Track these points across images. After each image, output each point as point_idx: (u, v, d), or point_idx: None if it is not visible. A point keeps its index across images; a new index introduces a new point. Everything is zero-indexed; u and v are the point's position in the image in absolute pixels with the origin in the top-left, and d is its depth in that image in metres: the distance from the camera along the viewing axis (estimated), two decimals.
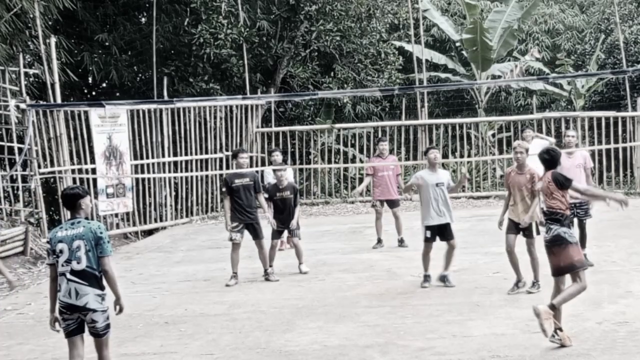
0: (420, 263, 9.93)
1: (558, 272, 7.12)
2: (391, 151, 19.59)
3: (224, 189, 10.99)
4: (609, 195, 7.18)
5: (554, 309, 6.84)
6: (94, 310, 6.04)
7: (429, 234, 9.76)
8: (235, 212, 10.59)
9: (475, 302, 8.76)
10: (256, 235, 10.67)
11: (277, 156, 13.51)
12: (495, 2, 26.34)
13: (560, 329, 6.97)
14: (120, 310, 6.24)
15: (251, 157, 18.60)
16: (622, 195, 7.11)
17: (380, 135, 19.22)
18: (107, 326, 6.15)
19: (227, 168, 16.75)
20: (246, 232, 10.69)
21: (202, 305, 9.46)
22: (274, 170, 11.59)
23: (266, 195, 11.14)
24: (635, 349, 6.87)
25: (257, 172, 11.89)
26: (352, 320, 8.35)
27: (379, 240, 12.69)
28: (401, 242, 12.65)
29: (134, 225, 16.36)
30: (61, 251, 6.08)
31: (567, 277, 7.14)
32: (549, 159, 7.30)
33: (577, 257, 7.04)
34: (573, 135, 11.12)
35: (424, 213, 9.82)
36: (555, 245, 7.05)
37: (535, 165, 14.04)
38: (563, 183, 7.11)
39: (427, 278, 9.83)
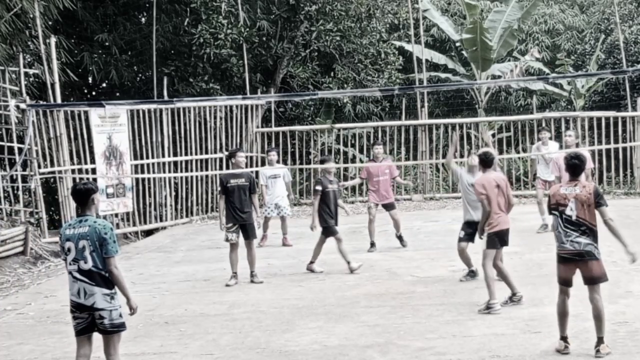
0: (419, 264, 9.92)
1: (569, 283, 6.83)
2: (391, 151, 19.66)
3: (219, 189, 10.98)
4: (625, 242, 6.77)
5: (603, 340, 6.68)
6: (103, 309, 6.03)
7: (462, 234, 9.62)
8: (229, 212, 10.59)
9: (475, 302, 8.75)
10: (247, 235, 10.64)
11: (274, 155, 13.98)
12: (495, 2, 26.33)
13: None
14: (132, 310, 6.17)
15: (251, 157, 18.63)
16: (636, 250, 6.68)
17: (380, 136, 19.28)
18: (119, 325, 6.10)
19: (227, 168, 16.73)
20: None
21: (202, 305, 9.46)
22: (322, 161, 11.51)
23: (319, 188, 10.93)
24: (635, 349, 6.88)
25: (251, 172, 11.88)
26: (352, 320, 8.35)
27: (372, 244, 12.51)
28: (400, 239, 12.52)
29: (134, 225, 16.35)
30: (69, 250, 6.06)
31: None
32: (580, 164, 6.87)
33: (602, 271, 6.78)
34: (570, 135, 11.13)
35: (463, 211, 9.85)
36: (582, 260, 6.70)
37: (542, 171, 14.02)
38: (601, 202, 6.74)
39: (471, 273, 9.83)
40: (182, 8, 20.13)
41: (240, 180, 10.65)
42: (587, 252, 6.71)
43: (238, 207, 10.54)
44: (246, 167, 15.39)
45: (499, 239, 8.49)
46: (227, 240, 10.60)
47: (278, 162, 14.61)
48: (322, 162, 11.58)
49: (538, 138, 14.83)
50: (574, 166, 6.87)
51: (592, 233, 6.72)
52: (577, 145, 11.86)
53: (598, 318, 6.72)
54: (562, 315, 6.84)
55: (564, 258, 6.79)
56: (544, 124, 17.74)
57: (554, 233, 6.95)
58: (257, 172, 14.58)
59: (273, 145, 18.88)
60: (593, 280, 6.75)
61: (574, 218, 6.71)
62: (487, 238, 8.46)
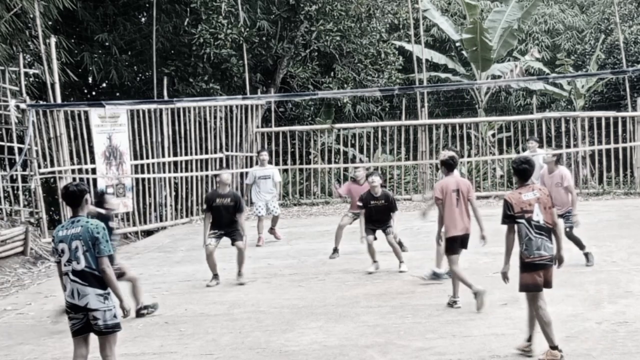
0: (419, 264, 9.89)
1: (541, 287, 6.64)
2: (391, 151, 19.67)
3: (205, 207, 10.85)
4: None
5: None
6: (96, 310, 6.02)
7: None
8: (214, 224, 10.55)
9: (475, 302, 8.74)
10: (234, 239, 10.55)
11: (265, 155, 14.10)
12: (495, 2, 26.36)
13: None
14: (125, 313, 6.16)
15: (251, 157, 18.63)
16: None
17: (380, 136, 19.26)
18: (113, 325, 6.07)
19: (227, 168, 16.74)
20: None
21: (202, 305, 9.45)
22: (367, 177, 11.25)
23: (360, 204, 10.83)
24: (635, 349, 6.87)
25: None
26: (352, 320, 8.35)
27: (335, 250, 11.94)
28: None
29: (134, 225, 16.36)
30: (63, 251, 6.04)
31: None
32: (530, 168, 6.79)
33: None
34: (546, 150, 10.97)
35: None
36: (551, 264, 6.66)
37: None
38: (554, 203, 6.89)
39: (434, 275, 9.82)
40: (182, 8, 20.15)
41: (225, 200, 10.55)
42: (553, 256, 6.69)
43: (222, 224, 10.48)
44: (246, 167, 15.46)
45: (457, 244, 8.45)
46: (204, 244, 10.46)
47: (270, 162, 14.64)
48: (367, 177, 11.28)
49: (525, 147, 14.69)
50: (524, 171, 6.77)
51: (552, 235, 6.72)
52: (557, 160, 11.18)
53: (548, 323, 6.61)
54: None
55: (538, 265, 6.59)
56: (543, 125, 17.76)
57: (513, 242, 6.68)
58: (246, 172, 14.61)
59: (273, 145, 18.91)
60: (549, 285, 6.69)
61: (542, 222, 6.62)
62: (445, 244, 8.49)
